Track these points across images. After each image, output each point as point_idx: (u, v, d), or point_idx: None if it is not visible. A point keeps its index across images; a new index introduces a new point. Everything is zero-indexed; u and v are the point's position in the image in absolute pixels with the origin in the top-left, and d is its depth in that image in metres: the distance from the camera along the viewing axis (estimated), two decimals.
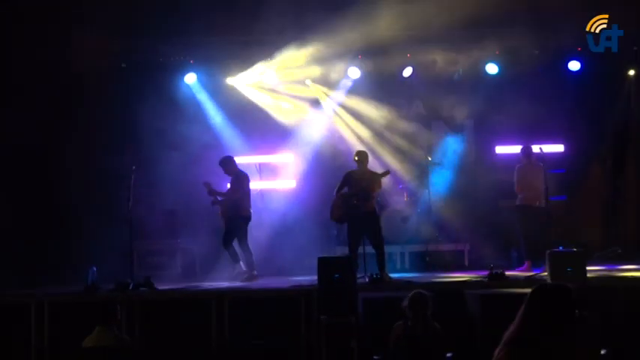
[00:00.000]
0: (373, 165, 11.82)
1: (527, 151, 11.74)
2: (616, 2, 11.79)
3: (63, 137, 12.56)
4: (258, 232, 12.42)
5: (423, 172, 13.11)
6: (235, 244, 11.41)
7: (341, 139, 13.69)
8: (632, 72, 13.43)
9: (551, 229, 11.42)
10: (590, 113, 13.52)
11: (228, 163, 11.67)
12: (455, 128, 13.91)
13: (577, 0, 11.68)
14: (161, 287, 10.14)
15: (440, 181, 13.17)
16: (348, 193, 10.61)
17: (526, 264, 11.28)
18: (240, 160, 13.33)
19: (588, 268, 9.25)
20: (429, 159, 13.01)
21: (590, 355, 3.86)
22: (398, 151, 13.61)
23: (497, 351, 3.84)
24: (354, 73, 13.38)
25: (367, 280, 9.93)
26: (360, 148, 12.12)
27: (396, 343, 6.75)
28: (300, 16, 11.85)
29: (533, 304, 3.83)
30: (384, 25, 12.54)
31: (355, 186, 10.59)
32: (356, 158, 10.79)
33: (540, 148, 11.28)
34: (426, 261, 12.33)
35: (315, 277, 9.17)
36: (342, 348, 8.43)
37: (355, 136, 13.53)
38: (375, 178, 10.67)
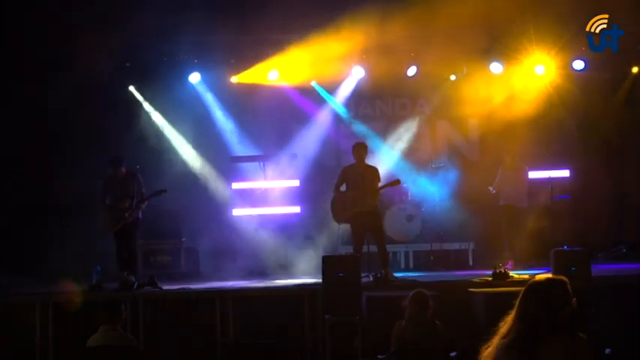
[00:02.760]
0: (378, 165, 11.82)
1: (508, 151, 12.01)
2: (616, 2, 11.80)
3: (66, 136, 12.60)
4: (262, 231, 12.46)
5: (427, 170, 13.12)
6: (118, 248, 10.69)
7: (345, 137, 13.71)
8: (635, 70, 13.39)
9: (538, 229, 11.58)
10: (594, 112, 13.51)
11: (123, 163, 10.70)
12: (459, 127, 13.91)
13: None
14: (165, 286, 10.16)
15: (444, 181, 13.16)
16: (349, 196, 10.54)
17: (510, 263, 11.35)
18: (244, 158, 13.40)
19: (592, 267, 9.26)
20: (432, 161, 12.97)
21: (594, 354, 3.84)
22: (402, 150, 13.63)
23: (488, 349, 3.83)
24: (359, 72, 13.36)
25: (371, 279, 9.93)
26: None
27: (398, 343, 6.75)
28: (303, 14, 11.86)
29: (527, 299, 3.82)
30: (388, 24, 12.57)
31: (355, 185, 10.54)
32: (354, 151, 10.69)
33: (544, 148, 11.36)
34: (430, 260, 12.34)
35: (320, 276, 9.18)
36: (346, 347, 8.44)
37: (359, 134, 13.52)
38: (375, 174, 10.64)
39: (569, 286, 3.84)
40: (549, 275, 4.02)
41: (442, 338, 6.72)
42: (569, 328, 3.75)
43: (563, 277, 3.91)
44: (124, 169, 10.56)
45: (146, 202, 10.58)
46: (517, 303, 3.85)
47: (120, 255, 10.53)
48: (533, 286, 3.88)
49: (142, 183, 10.65)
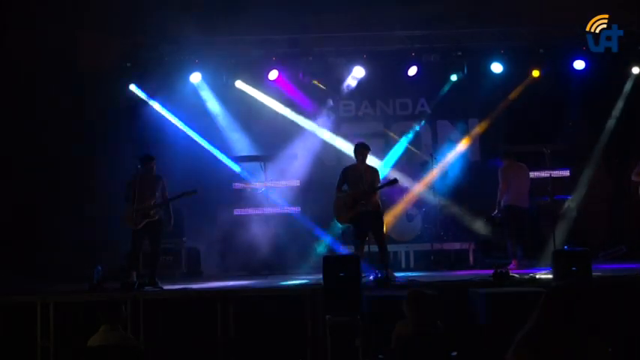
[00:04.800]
0: (379, 165, 11.82)
1: (507, 152, 11.96)
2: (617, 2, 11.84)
3: (67, 136, 12.60)
4: (263, 231, 12.46)
5: (427, 170, 13.13)
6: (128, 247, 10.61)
7: (345, 137, 13.75)
8: (636, 70, 13.37)
9: (538, 229, 11.54)
10: (595, 112, 13.52)
11: (154, 162, 10.71)
12: (460, 127, 13.92)
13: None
14: (166, 286, 10.16)
15: (445, 180, 13.16)
16: (350, 197, 10.55)
17: (513, 263, 11.35)
18: (245, 158, 13.42)
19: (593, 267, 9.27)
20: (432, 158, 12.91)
21: (605, 353, 3.88)
22: (403, 150, 13.64)
23: (513, 351, 3.82)
24: (359, 72, 13.38)
25: (372, 278, 9.92)
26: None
27: (398, 343, 6.75)
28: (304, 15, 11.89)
29: (555, 302, 3.83)
30: (388, 23, 12.60)
31: (355, 185, 10.55)
32: (356, 152, 10.70)
33: (544, 148, 11.35)
34: (430, 260, 12.34)
35: (320, 276, 9.19)
36: (347, 347, 8.43)
37: (359, 134, 13.53)
38: (375, 175, 10.66)
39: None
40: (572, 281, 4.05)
41: (441, 338, 6.72)
42: (592, 330, 3.79)
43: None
44: (154, 167, 10.54)
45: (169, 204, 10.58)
46: (540, 303, 3.87)
47: (133, 254, 10.48)
48: (558, 288, 3.91)
49: (165, 185, 10.66)
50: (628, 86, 13.47)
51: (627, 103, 13.53)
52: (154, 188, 10.44)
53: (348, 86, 13.71)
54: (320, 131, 13.74)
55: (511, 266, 11.14)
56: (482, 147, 14.02)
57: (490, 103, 13.53)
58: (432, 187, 12.89)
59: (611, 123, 13.60)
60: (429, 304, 6.72)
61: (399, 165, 13.38)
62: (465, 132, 13.87)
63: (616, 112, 13.57)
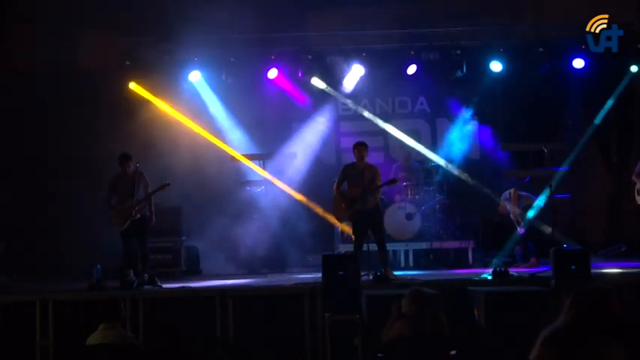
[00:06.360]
0: (379, 163, 11.81)
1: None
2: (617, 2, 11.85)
3: (67, 135, 12.59)
4: (261, 229, 12.45)
5: (426, 169, 13.13)
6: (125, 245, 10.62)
7: (345, 135, 13.75)
8: (634, 69, 13.36)
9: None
10: (594, 110, 13.52)
11: (131, 158, 10.68)
12: (459, 126, 13.92)
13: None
14: (165, 285, 10.16)
15: (444, 178, 13.15)
16: (349, 195, 10.55)
17: (533, 260, 11.39)
18: (244, 157, 13.42)
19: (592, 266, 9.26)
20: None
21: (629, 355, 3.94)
22: (402, 149, 13.63)
23: (539, 350, 3.83)
24: (359, 70, 13.37)
25: (371, 277, 9.92)
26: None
27: (397, 343, 6.74)
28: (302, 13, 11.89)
29: (583, 304, 3.87)
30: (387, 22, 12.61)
31: (354, 183, 10.55)
32: (355, 151, 10.69)
33: (543, 147, 11.37)
34: (430, 258, 12.33)
35: (319, 275, 9.18)
36: (347, 346, 8.43)
37: (359, 132, 13.53)
38: (375, 173, 10.65)
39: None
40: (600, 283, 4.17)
41: (441, 338, 6.71)
42: (618, 329, 3.83)
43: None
44: (132, 167, 10.57)
45: (151, 199, 10.59)
46: (569, 304, 3.91)
47: (126, 254, 10.50)
48: (584, 290, 3.96)
49: (147, 181, 10.67)
50: (626, 85, 13.47)
51: (626, 102, 13.52)
52: (133, 187, 10.45)
53: (348, 85, 13.70)
54: (319, 130, 13.74)
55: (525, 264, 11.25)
56: (482, 145, 14.01)
57: (489, 101, 13.50)
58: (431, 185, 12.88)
59: (611, 121, 13.59)
60: (429, 302, 6.71)
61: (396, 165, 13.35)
62: (465, 130, 13.88)
63: (616, 110, 13.56)
